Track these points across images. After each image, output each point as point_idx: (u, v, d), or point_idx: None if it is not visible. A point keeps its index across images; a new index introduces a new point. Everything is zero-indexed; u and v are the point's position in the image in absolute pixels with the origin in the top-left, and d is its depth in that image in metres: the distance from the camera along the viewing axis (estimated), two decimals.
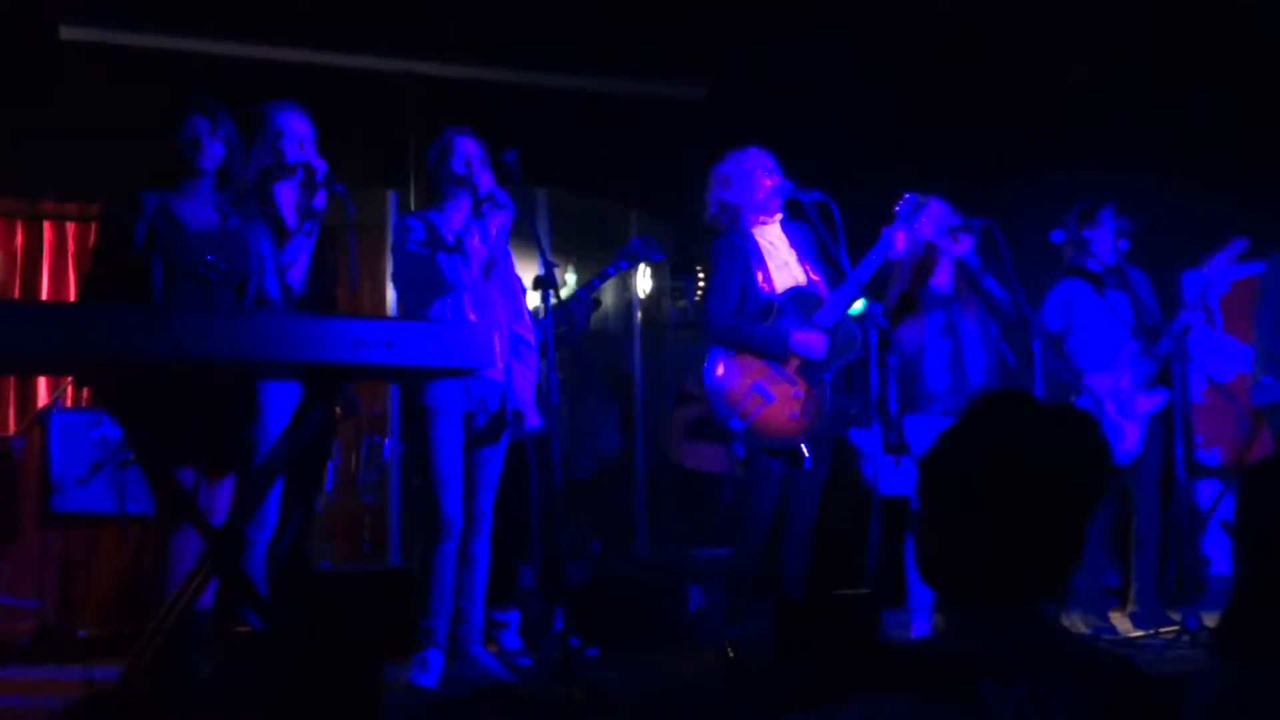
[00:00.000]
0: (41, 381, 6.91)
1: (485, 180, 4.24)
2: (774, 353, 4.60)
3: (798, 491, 4.67)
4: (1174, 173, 6.13)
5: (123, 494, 5.62)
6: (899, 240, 4.76)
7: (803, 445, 4.58)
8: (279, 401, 3.89)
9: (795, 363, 4.62)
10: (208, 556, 3.34)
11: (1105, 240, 5.37)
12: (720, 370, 4.65)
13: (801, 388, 4.62)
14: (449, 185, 4.29)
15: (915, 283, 5.02)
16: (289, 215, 4.14)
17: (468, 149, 4.29)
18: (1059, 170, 6.22)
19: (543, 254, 4.18)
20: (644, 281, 7.35)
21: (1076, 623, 5.21)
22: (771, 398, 4.60)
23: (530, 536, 4.66)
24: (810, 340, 4.60)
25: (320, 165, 4.08)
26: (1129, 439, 5.26)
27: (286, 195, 4.18)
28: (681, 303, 7.60)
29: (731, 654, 4.13)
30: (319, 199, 4.09)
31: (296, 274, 4.03)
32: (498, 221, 4.25)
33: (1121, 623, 5.36)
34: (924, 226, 4.95)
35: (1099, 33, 6.51)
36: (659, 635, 5.09)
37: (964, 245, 4.96)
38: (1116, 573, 5.82)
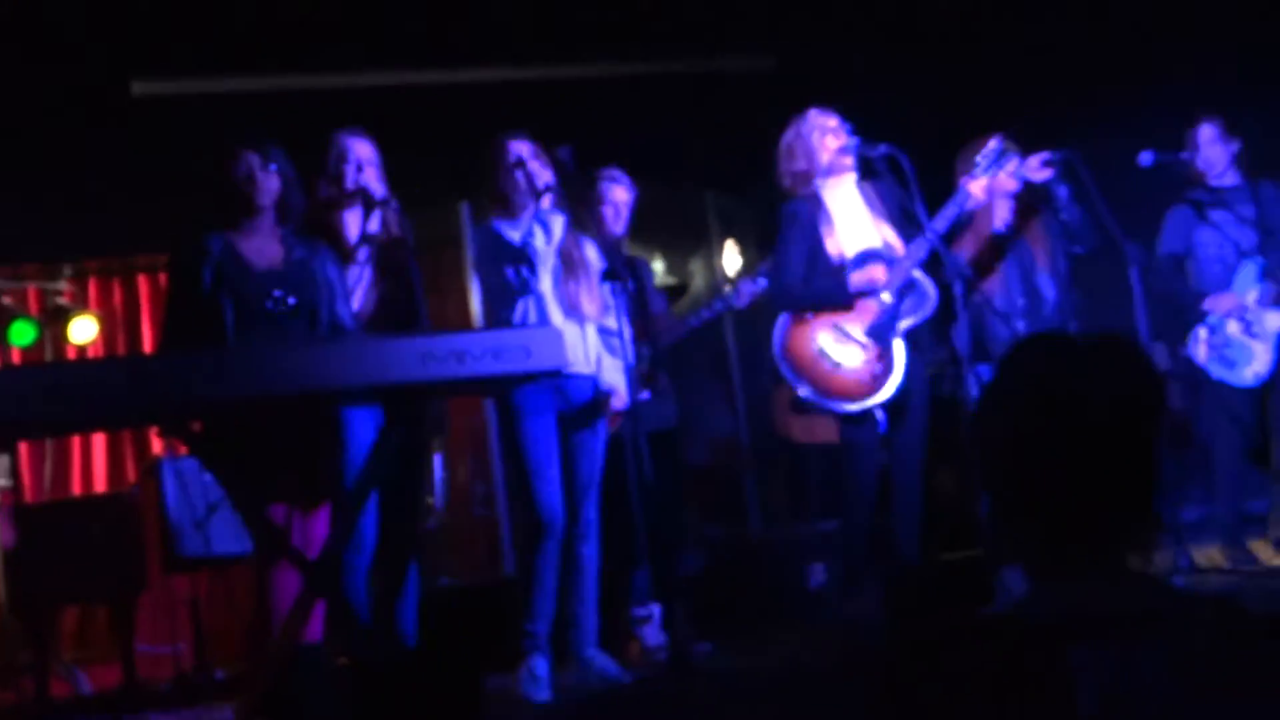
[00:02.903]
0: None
1: (543, 178, 4.21)
2: (837, 302, 4.50)
3: (898, 454, 4.55)
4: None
5: (243, 533, 5.71)
6: (979, 190, 4.60)
7: (877, 409, 4.47)
8: (364, 426, 3.90)
9: (862, 324, 4.51)
10: (307, 590, 3.34)
11: (1209, 160, 5.15)
12: (787, 338, 4.60)
13: (872, 351, 4.50)
14: (509, 190, 4.27)
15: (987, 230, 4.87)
16: (354, 241, 4.15)
17: (519, 150, 4.25)
18: (1146, 88, 5.96)
19: (602, 246, 4.12)
20: (731, 259, 7.26)
21: (1214, 556, 5.01)
22: (838, 363, 4.51)
23: (637, 534, 4.61)
24: (868, 275, 4.49)
25: (379, 189, 4.09)
26: (1259, 359, 5.03)
27: (352, 221, 4.18)
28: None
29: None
30: (374, 222, 4.09)
31: (357, 299, 4.03)
32: (562, 219, 4.23)
33: (1264, 551, 5.12)
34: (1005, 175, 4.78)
35: None
36: (781, 616, 4.99)
37: (1045, 174, 4.79)
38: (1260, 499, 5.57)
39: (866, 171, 4.71)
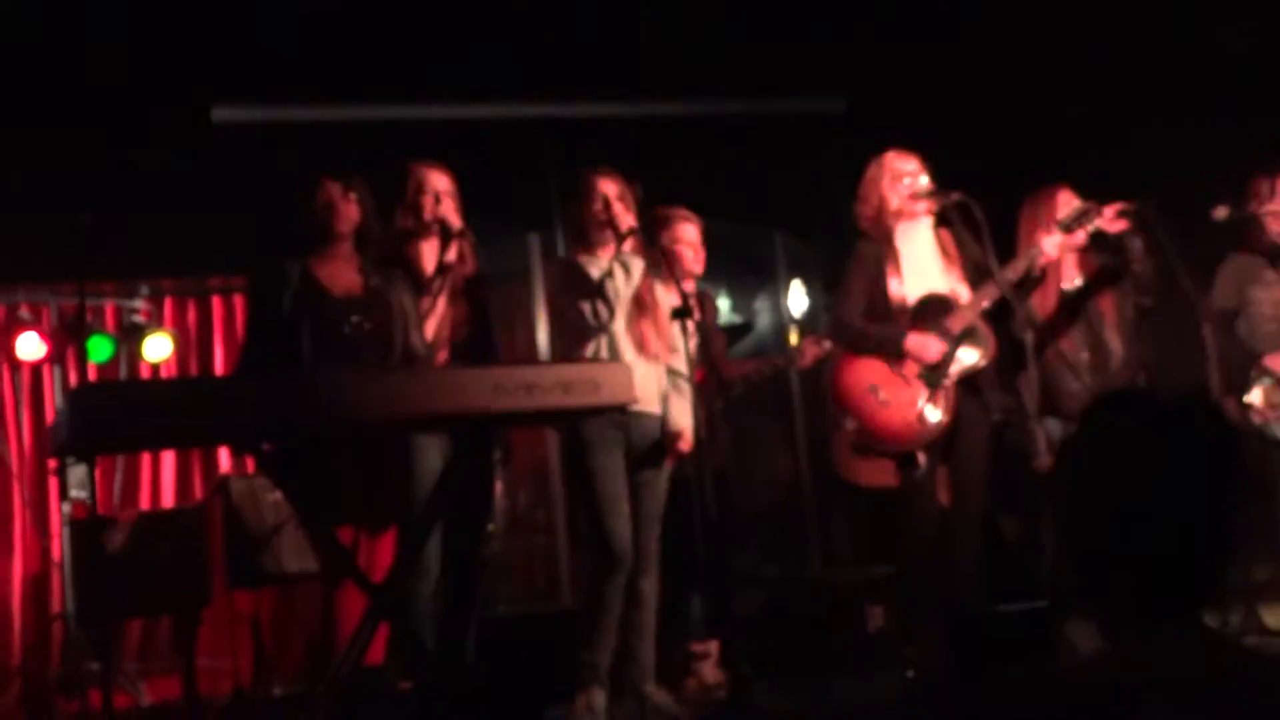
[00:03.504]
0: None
1: (627, 220, 4.26)
2: (888, 352, 4.51)
3: (956, 501, 4.53)
4: None
5: (307, 553, 5.77)
6: (1054, 249, 4.58)
7: (918, 453, 4.46)
8: (432, 453, 3.95)
9: (916, 367, 4.51)
10: (371, 613, 3.39)
11: (1274, 211, 5.08)
12: (839, 370, 4.63)
13: (922, 393, 4.49)
14: (591, 227, 4.32)
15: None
16: (431, 271, 4.21)
17: (606, 189, 4.30)
18: (1226, 145, 5.92)
19: (679, 285, 4.16)
20: (797, 299, 7.26)
21: None
22: (888, 401, 4.51)
23: (696, 568, 4.62)
24: (924, 343, 4.49)
25: (455, 220, 4.15)
26: None
27: (429, 251, 4.25)
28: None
29: (911, 674, 4.01)
30: (451, 253, 4.16)
31: (431, 329, 4.09)
32: (642, 263, 4.28)
33: None
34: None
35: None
36: (839, 658, 4.97)
37: (1120, 225, 4.76)
38: None
39: (940, 218, 4.71)
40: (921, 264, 4.66)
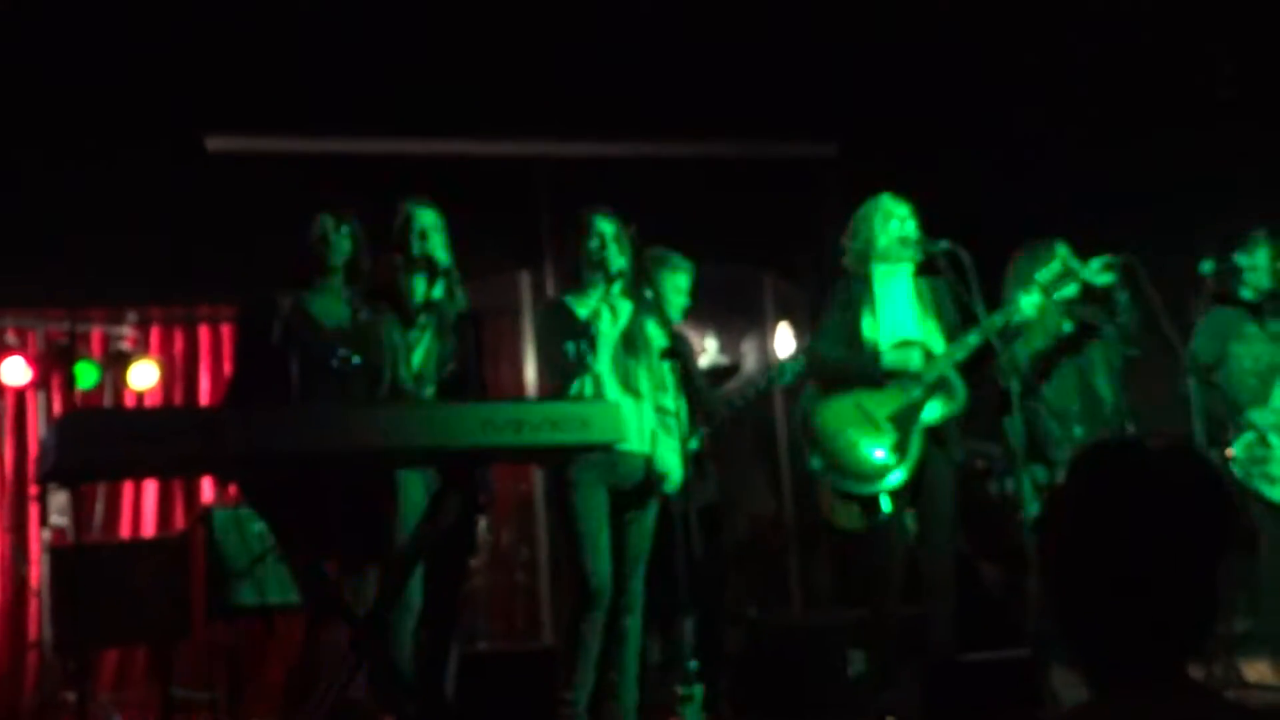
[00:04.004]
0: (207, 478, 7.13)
1: (618, 263, 4.29)
2: (867, 375, 4.54)
3: (926, 548, 4.54)
4: None
5: (288, 585, 5.74)
6: (1032, 309, 4.61)
7: (882, 495, 4.48)
8: (415, 488, 3.94)
9: (887, 409, 4.53)
10: (354, 646, 3.38)
11: (1262, 267, 5.13)
12: (812, 407, 4.65)
13: (890, 437, 4.51)
14: (585, 267, 4.35)
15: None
16: (417, 306, 4.23)
17: (604, 229, 4.33)
18: (1210, 199, 5.99)
19: (669, 326, 4.18)
20: (784, 341, 7.28)
21: (1263, 670, 4.93)
22: (854, 442, 4.52)
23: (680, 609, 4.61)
24: (904, 361, 4.52)
25: (442, 257, 4.18)
26: None
27: (416, 286, 4.27)
28: None
29: None
30: (437, 288, 4.18)
31: (415, 363, 4.10)
32: (630, 305, 4.30)
33: None
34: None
35: (1242, 47, 6.26)
36: (817, 703, 4.95)
37: (1106, 277, 4.80)
38: None
39: (928, 266, 4.74)
40: (897, 308, 4.69)
